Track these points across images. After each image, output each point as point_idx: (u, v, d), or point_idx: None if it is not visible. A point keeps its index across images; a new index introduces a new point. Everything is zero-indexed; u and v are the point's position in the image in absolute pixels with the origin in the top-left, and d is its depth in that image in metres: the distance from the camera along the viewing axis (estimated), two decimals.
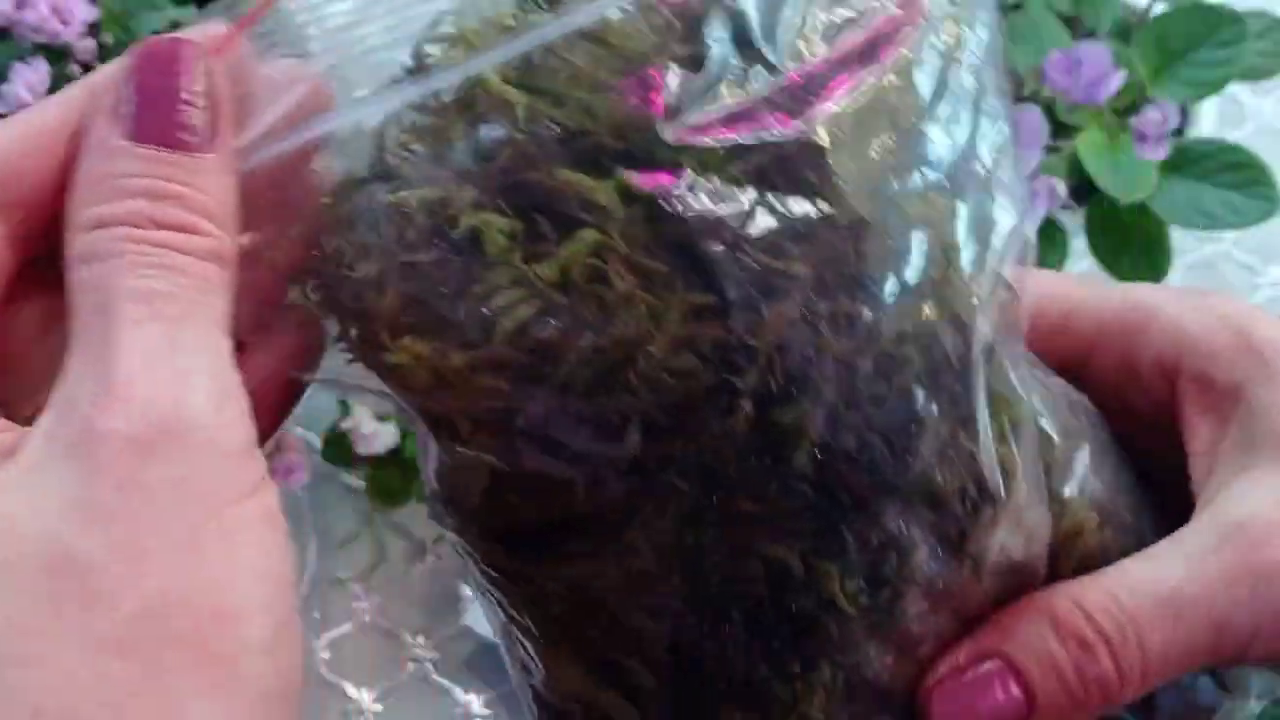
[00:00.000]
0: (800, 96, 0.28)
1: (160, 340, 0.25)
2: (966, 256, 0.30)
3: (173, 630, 0.24)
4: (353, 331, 0.29)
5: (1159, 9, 0.70)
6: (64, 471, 0.24)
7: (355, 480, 0.72)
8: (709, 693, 0.30)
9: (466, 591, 0.69)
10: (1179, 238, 0.70)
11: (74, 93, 0.27)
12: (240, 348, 0.27)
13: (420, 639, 0.69)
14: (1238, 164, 0.68)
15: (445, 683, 0.68)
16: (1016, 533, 0.31)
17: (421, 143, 0.28)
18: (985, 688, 0.30)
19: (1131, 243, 0.70)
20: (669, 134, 0.27)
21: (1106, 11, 0.71)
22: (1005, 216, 0.30)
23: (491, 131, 0.28)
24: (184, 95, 0.26)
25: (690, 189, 0.27)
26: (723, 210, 0.27)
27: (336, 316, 0.29)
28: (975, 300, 0.30)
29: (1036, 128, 0.64)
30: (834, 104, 0.28)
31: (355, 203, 0.28)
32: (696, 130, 0.27)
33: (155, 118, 0.26)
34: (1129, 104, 0.68)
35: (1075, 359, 0.33)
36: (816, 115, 0.28)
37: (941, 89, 0.30)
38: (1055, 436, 0.33)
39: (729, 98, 0.28)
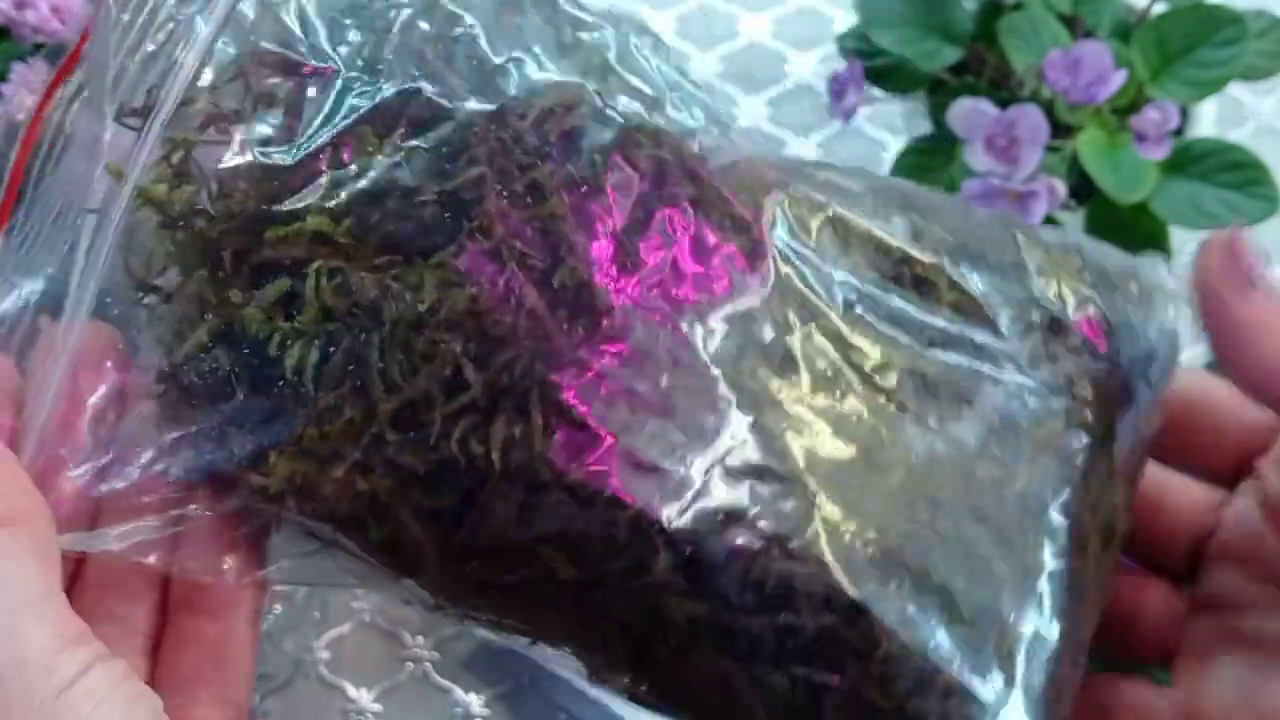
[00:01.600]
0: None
1: None
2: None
3: None
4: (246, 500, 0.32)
5: (1159, 9, 0.70)
6: None
7: None
8: None
9: None
10: (1179, 237, 0.70)
11: None
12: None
13: (420, 639, 0.69)
14: (1238, 164, 0.68)
15: (445, 683, 0.68)
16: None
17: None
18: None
19: (1131, 243, 0.69)
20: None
21: (1106, 11, 0.71)
22: None
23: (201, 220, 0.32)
24: None
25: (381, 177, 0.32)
26: (394, 182, 0.32)
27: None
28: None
29: (1036, 127, 0.64)
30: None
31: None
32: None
33: None
34: (1129, 104, 0.68)
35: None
36: None
37: None
38: None
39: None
